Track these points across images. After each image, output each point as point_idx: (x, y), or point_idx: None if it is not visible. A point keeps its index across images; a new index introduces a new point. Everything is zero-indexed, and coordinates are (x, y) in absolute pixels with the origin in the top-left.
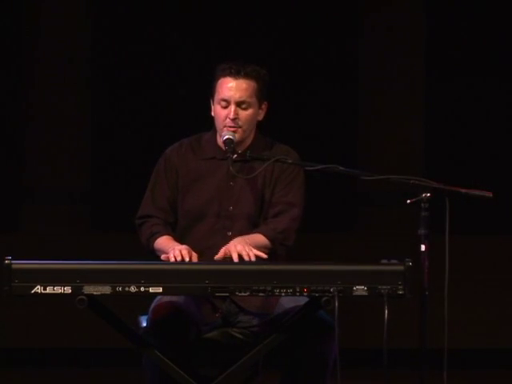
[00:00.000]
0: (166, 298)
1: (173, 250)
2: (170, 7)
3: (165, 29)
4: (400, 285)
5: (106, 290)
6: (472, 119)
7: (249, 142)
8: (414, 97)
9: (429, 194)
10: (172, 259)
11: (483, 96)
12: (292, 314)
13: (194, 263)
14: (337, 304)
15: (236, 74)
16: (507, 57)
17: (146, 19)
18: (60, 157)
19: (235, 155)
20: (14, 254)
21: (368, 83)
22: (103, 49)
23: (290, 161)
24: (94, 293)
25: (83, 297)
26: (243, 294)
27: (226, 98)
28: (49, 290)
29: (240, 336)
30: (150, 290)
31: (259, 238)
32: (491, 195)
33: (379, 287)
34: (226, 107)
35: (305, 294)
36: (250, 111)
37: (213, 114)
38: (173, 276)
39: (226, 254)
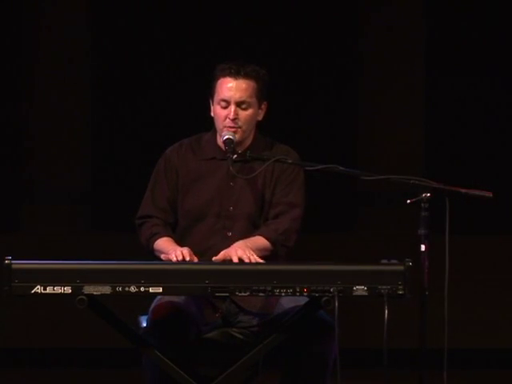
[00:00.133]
0: (166, 298)
1: (174, 251)
2: (170, 7)
3: (165, 29)
4: (400, 285)
5: (106, 290)
6: (472, 119)
7: (249, 142)
8: (414, 97)
9: (429, 194)
10: (174, 259)
11: (483, 96)
12: (292, 314)
13: (194, 263)
14: (337, 304)
15: (236, 74)
16: (507, 57)
17: (146, 19)
18: (60, 157)
19: (235, 155)
20: (14, 254)
21: (368, 83)
22: (103, 49)
23: (290, 161)
24: (94, 293)
25: (83, 297)
26: (243, 294)
27: (225, 98)
28: (49, 290)
29: (240, 336)
30: (150, 290)
31: (260, 241)
32: (491, 195)
33: (379, 287)
34: (225, 107)
35: (305, 294)
36: (249, 111)
37: (212, 114)
38: (173, 276)
39: (225, 257)
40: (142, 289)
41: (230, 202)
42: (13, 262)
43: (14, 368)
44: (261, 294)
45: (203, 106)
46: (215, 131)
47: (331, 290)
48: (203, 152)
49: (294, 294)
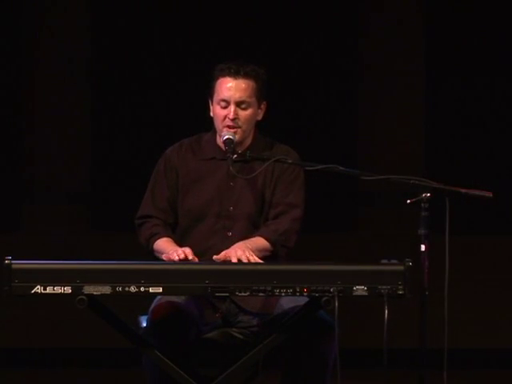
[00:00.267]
0: (166, 298)
1: (175, 251)
2: (170, 7)
3: (165, 29)
4: (400, 285)
5: (106, 290)
6: (472, 119)
7: (248, 142)
8: (414, 97)
9: (429, 194)
10: (176, 259)
11: (483, 96)
12: (292, 314)
13: (194, 263)
14: (337, 304)
15: (235, 74)
16: (507, 57)
17: (146, 19)
18: (60, 157)
19: (235, 155)
20: (14, 254)
21: (368, 83)
22: (103, 49)
23: (290, 161)
24: (94, 293)
25: (83, 297)
26: (243, 294)
27: (225, 98)
28: (49, 290)
29: (240, 336)
30: (150, 290)
31: (260, 242)
32: (491, 195)
33: (379, 287)
34: (225, 107)
35: (305, 294)
36: (249, 111)
37: (212, 114)
38: (173, 276)
39: (226, 258)
40: (142, 289)
41: (230, 202)
42: (13, 262)
43: (14, 368)
44: (261, 294)
45: (203, 106)
46: (215, 131)
47: (331, 289)
48: (203, 152)
49: (294, 293)
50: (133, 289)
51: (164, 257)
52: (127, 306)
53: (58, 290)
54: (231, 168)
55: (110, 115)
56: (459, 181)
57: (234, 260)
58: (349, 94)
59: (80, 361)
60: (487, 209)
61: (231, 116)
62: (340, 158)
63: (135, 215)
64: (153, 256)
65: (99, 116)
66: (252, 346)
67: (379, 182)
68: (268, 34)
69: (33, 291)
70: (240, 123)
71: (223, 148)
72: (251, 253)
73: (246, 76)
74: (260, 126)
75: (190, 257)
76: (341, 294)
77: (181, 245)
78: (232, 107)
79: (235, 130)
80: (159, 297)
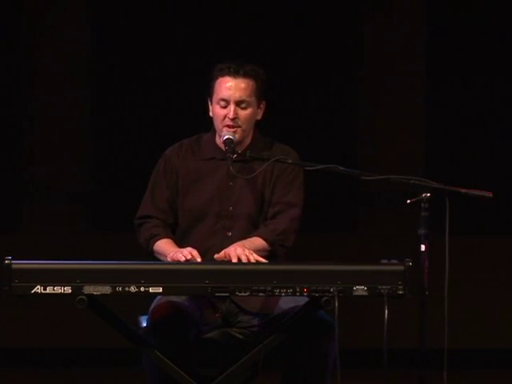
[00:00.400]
0: (166, 298)
1: (181, 252)
2: (170, 7)
3: (165, 29)
4: (400, 285)
5: (106, 290)
6: (472, 119)
7: (248, 141)
8: (414, 97)
9: (429, 194)
10: (182, 259)
11: (483, 96)
12: (292, 314)
13: (194, 263)
14: (337, 304)
15: (235, 74)
16: (507, 57)
17: (146, 19)
18: (60, 157)
19: (235, 155)
20: (14, 254)
21: (368, 83)
22: (103, 49)
23: (289, 161)
24: (94, 293)
25: (83, 297)
26: (243, 294)
27: (225, 97)
28: (49, 290)
29: (240, 336)
30: (150, 290)
31: (258, 242)
32: (491, 195)
33: (379, 287)
34: (225, 107)
35: (305, 294)
36: (249, 110)
37: (211, 114)
38: (173, 276)
39: (225, 257)
40: (142, 289)
41: (230, 202)
42: (13, 261)
43: (14, 368)
44: (261, 294)
45: (203, 106)
46: (214, 131)
47: (331, 289)
48: (202, 152)
49: (294, 294)
50: (133, 289)
51: (168, 258)
52: (127, 306)
53: (58, 290)
54: (231, 168)
55: (109, 115)
56: (459, 181)
57: (235, 260)
58: (349, 93)
59: (80, 361)
60: (487, 209)
61: (231, 115)
62: (340, 158)
63: (135, 215)
64: (152, 257)
65: (99, 116)
66: (252, 346)
67: (379, 181)
68: (268, 34)
69: (33, 291)
70: (240, 123)
71: (223, 148)
72: (251, 252)
73: (245, 75)
74: (260, 126)
75: (199, 259)
76: (341, 294)
77: (181, 245)
78: (232, 107)
79: (235, 129)
80: (159, 297)
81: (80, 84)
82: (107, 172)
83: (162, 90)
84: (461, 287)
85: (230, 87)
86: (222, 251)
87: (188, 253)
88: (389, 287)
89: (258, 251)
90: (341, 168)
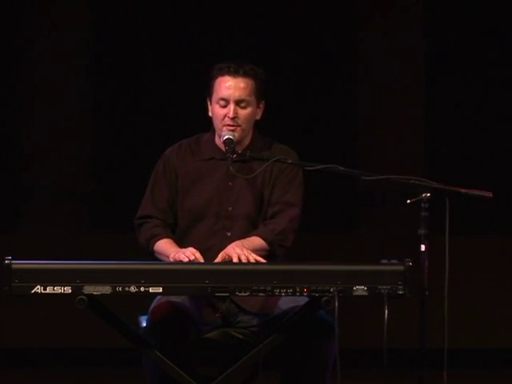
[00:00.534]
0: (166, 298)
1: (183, 252)
2: (170, 7)
3: (164, 29)
4: (400, 285)
5: (106, 290)
6: (472, 119)
7: (247, 141)
8: (414, 97)
9: (429, 194)
10: (185, 260)
11: (483, 96)
12: (292, 314)
13: (194, 263)
14: (337, 304)
15: (234, 73)
16: (507, 57)
17: (146, 19)
18: (60, 157)
19: (235, 155)
20: (14, 254)
21: (368, 83)
22: (103, 49)
23: (289, 161)
24: (94, 293)
25: (83, 297)
26: (243, 294)
27: (224, 96)
28: (49, 290)
29: (240, 336)
30: (150, 290)
31: (257, 241)
32: (491, 195)
33: (379, 287)
34: (224, 106)
35: (305, 294)
36: (248, 110)
37: (210, 114)
38: (173, 276)
39: (224, 258)
40: (142, 289)
41: (229, 202)
42: (13, 262)
43: (14, 368)
44: (261, 294)
45: (202, 106)
46: (214, 131)
47: (331, 290)
48: (202, 152)
49: (294, 294)
50: (133, 289)
51: (170, 258)
52: (127, 306)
53: (58, 290)
54: (231, 168)
55: (109, 115)
56: (459, 181)
57: (235, 259)
58: (349, 94)
59: (80, 361)
60: (487, 209)
61: (231, 115)
62: (340, 158)
63: (135, 215)
64: (153, 257)
65: (99, 116)
66: (252, 346)
67: (379, 181)
68: (268, 34)
69: (33, 291)
70: (240, 122)
71: (222, 148)
72: (250, 251)
73: (245, 75)
74: (259, 126)
75: (202, 261)
76: (341, 294)
77: (180, 245)
78: (231, 106)
79: (234, 128)
80: (159, 297)
81: (80, 84)
82: (107, 172)
83: (162, 90)
84: (461, 287)
85: (229, 86)
86: (220, 254)
87: (191, 254)
88: (389, 287)
89: (256, 251)
90: (341, 168)
